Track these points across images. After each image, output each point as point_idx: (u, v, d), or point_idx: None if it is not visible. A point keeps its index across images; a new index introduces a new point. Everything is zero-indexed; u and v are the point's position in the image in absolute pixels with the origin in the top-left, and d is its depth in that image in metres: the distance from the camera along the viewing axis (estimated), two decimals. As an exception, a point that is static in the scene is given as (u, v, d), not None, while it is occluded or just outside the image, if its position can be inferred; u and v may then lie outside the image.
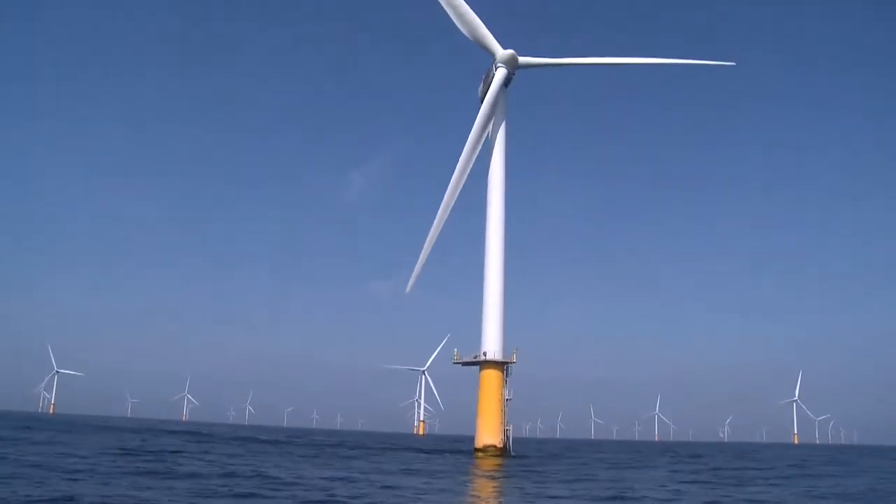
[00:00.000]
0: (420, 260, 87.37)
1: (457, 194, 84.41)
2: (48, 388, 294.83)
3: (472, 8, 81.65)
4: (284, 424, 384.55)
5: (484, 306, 78.76)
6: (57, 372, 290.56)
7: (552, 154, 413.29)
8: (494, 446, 74.53)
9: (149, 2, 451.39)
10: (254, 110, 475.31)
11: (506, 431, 75.83)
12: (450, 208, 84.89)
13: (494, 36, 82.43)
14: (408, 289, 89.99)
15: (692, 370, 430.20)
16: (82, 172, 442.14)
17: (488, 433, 75.38)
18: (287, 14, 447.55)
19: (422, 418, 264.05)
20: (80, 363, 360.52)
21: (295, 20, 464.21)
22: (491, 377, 76.36)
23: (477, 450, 75.40)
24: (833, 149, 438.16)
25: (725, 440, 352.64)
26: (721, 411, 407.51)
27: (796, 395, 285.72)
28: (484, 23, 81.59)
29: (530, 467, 57.93)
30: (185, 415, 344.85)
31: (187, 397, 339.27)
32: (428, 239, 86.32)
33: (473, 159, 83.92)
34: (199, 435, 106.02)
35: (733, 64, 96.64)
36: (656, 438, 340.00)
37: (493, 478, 45.65)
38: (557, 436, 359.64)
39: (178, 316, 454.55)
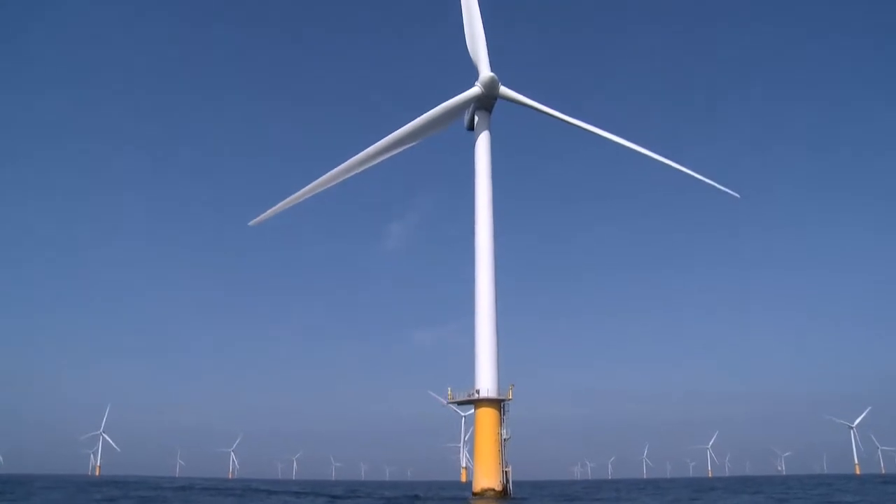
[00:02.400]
0: (283, 203, 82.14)
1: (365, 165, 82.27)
2: (94, 451, 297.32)
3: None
4: (333, 477, 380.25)
5: (476, 340, 75.49)
6: (102, 434, 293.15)
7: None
8: (493, 489, 70.35)
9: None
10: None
11: (505, 473, 71.67)
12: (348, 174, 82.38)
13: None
14: (251, 223, 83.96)
15: (750, 401, 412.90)
16: (135, 245, 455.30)
17: (486, 476, 71.30)
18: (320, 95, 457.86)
19: (464, 464, 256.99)
20: (128, 422, 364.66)
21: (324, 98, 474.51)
22: (486, 416, 72.68)
23: (475, 494, 71.32)
24: None
25: (783, 473, 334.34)
26: (778, 443, 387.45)
27: (855, 423, 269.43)
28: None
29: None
30: (231, 472, 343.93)
31: (232, 454, 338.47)
32: (307, 188, 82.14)
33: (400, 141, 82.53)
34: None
35: (737, 196, 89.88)
36: (710, 474, 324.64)
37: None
38: (609, 477, 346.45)
39: (223, 372, 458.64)
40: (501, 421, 72.93)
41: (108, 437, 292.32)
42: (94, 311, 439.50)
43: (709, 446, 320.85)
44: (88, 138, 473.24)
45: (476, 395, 72.91)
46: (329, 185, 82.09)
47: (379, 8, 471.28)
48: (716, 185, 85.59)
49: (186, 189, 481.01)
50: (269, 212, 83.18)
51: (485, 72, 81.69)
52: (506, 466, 71.96)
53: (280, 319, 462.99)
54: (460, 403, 76.74)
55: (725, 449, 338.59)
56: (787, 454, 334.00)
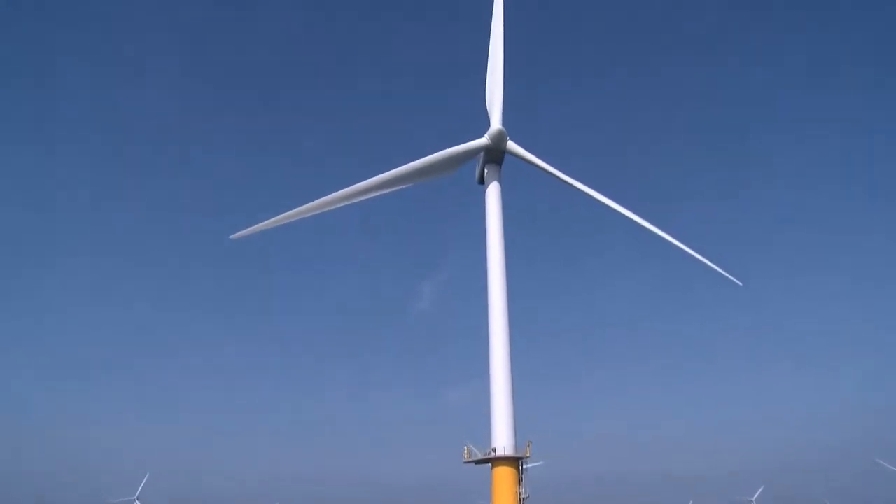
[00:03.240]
0: (270, 221, 78.98)
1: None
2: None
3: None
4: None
5: (491, 396, 73.89)
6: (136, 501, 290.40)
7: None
8: (513, 552, 67.78)
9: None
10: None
11: (525, 534, 69.14)
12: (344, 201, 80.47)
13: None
14: (233, 236, 79.67)
15: (797, 450, 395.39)
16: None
17: (505, 538, 68.81)
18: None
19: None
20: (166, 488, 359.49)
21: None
22: (503, 475, 70.72)
23: (494, 557, 68.76)
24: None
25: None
26: (831, 495, 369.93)
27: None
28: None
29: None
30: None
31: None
32: (296, 210, 79.37)
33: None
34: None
35: (740, 284, 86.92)
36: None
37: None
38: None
39: (239, 436, 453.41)
40: (520, 479, 70.83)
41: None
42: (128, 373, 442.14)
43: (753, 499, 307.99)
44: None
45: (492, 454, 70.92)
46: (323, 210, 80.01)
47: (405, 60, 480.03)
48: (719, 269, 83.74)
49: (224, 258, 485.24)
50: (254, 227, 79.05)
51: (495, 124, 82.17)
52: (526, 527, 69.51)
53: (314, 381, 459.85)
54: (477, 462, 74.52)
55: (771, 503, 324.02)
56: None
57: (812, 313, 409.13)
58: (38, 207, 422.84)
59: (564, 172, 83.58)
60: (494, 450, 71.00)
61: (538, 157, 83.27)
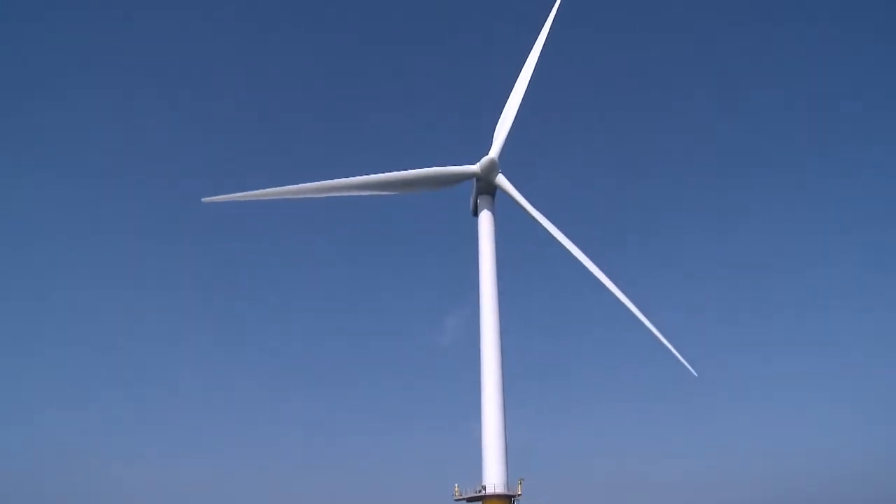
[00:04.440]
0: (248, 194, 75.42)
1: None
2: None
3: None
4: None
5: (483, 432, 72.44)
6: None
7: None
8: None
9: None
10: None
11: (517, 575, 66.85)
12: None
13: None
14: (205, 199, 75.28)
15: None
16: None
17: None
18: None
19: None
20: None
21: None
22: (494, 513, 68.62)
23: None
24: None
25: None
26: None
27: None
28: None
29: None
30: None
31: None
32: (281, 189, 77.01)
33: None
34: None
35: (695, 374, 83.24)
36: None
37: None
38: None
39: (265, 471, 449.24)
40: (512, 518, 68.77)
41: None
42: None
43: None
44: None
45: (482, 491, 69.13)
46: (304, 196, 78.26)
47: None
48: (679, 356, 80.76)
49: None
50: (230, 196, 75.74)
51: (491, 154, 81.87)
52: (518, 568, 67.28)
53: (341, 416, 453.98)
54: (470, 500, 72.64)
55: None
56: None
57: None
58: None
59: (553, 220, 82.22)
60: (484, 487, 69.22)
61: (528, 197, 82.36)
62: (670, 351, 78.85)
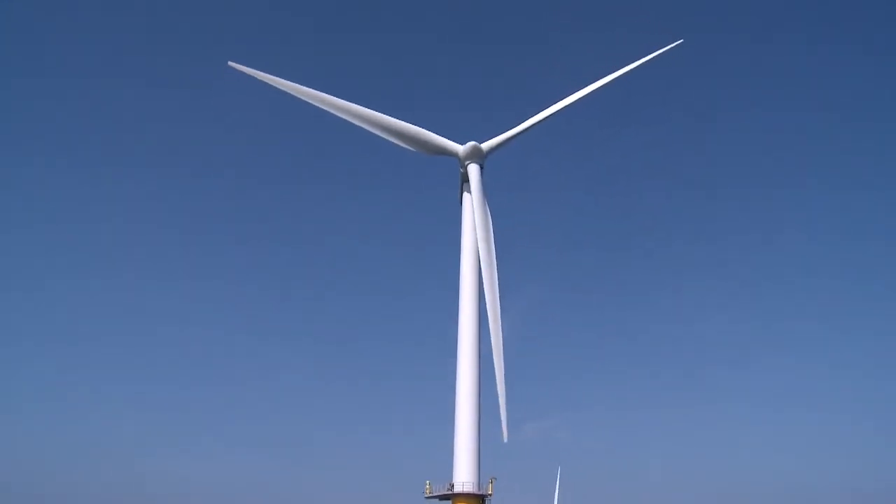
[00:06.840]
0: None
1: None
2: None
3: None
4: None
5: (455, 430, 70.00)
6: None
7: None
8: None
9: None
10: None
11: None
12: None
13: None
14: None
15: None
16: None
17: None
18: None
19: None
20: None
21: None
22: (464, 513, 66.22)
23: None
24: None
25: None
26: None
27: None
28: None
29: None
30: None
31: None
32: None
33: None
34: None
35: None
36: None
37: None
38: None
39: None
40: (483, 517, 66.37)
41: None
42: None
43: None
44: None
45: (450, 490, 66.78)
46: (324, 107, 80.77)
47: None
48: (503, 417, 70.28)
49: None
50: (258, 74, 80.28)
51: (461, 148, 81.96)
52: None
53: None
54: (441, 499, 70.32)
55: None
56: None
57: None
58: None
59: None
60: (452, 485, 66.87)
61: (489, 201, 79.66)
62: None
